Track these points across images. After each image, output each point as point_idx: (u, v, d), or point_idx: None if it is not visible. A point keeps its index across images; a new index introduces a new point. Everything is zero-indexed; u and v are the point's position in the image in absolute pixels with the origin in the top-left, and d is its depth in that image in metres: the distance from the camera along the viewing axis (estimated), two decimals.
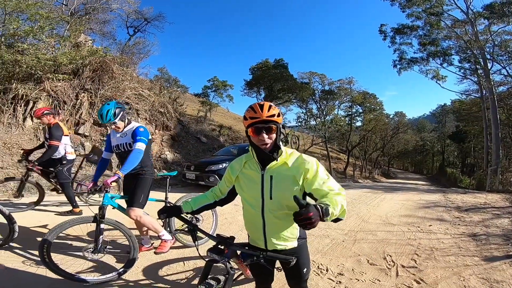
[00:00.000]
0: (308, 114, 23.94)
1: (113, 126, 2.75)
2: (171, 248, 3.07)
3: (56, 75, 8.46)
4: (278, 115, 1.37)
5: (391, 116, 33.32)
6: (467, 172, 29.39)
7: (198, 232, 1.50)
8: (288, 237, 1.47)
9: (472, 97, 23.43)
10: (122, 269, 2.50)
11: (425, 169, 53.21)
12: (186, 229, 2.82)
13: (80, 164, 5.29)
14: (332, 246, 3.67)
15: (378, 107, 27.07)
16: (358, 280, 2.74)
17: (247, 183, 1.48)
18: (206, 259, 1.42)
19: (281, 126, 1.42)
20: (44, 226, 3.68)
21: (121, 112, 2.73)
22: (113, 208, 2.65)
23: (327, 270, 2.93)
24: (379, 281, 2.74)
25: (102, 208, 2.46)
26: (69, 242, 3.21)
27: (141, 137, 2.72)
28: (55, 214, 4.32)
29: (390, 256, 3.36)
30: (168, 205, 3.20)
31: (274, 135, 1.38)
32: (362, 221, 5.03)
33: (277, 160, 1.40)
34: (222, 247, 1.37)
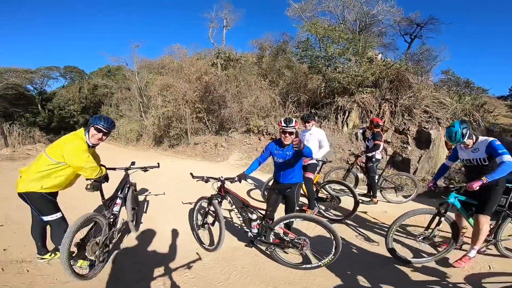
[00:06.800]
0: None
1: (462, 145, 3.03)
2: None
3: (364, 88, 9.90)
4: None
5: None
6: None
7: None
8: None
9: None
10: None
11: None
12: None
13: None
14: None
15: None
16: None
17: None
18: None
19: None
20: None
21: (468, 131, 2.89)
22: (451, 206, 2.95)
23: None
24: None
25: (447, 205, 2.93)
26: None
27: (503, 149, 2.77)
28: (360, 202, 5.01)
29: None
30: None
31: None
32: None
33: None
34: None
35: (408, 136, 8.59)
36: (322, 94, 10.90)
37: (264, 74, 13.61)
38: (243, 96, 11.85)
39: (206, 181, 3.14)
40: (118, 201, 2.96)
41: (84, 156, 2.47)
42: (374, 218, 4.40)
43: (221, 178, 3.10)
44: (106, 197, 2.96)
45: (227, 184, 3.16)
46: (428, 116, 8.89)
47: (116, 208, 2.92)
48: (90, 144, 2.64)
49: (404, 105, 9.33)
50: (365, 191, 5.57)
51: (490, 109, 9.97)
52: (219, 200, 3.14)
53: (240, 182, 3.11)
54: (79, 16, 71.29)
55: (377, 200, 5.27)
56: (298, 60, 12.26)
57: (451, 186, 2.96)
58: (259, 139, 10.61)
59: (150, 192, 5.51)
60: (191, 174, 3.22)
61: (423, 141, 8.25)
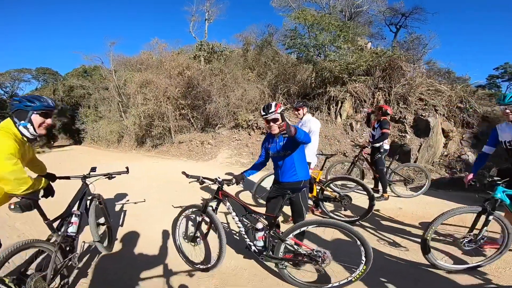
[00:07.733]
0: None
1: (507, 110, 2.63)
2: None
3: (358, 77, 9.46)
4: None
5: None
6: None
7: None
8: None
9: None
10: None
11: None
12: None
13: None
14: None
15: None
16: None
17: None
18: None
19: None
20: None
21: None
22: (500, 202, 2.43)
23: None
24: None
25: (494, 201, 2.41)
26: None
27: None
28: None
29: None
30: None
31: None
32: None
33: None
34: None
35: (405, 124, 8.23)
36: (313, 85, 10.38)
37: (250, 66, 12.96)
38: (229, 89, 11.14)
39: (201, 183, 2.52)
40: (74, 219, 2.21)
41: (9, 162, 1.69)
42: (389, 216, 3.87)
43: (219, 179, 2.46)
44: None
45: (225, 187, 2.53)
46: (424, 104, 8.56)
47: (71, 229, 2.17)
48: (35, 136, 1.94)
49: (398, 93, 8.96)
50: (372, 186, 5.07)
51: (483, 96, 9.78)
52: (214, 206, 2.51)
53: (237, 184, 2.51)
54: (49, 13, 67.35)
55: (388, 195, 4.77)
56: (286, 49, 11.70)
57: (497, 178, 2.45)
58: (249, 134, 9.97)
59: (128, 200, 4.76)
60: (184, 173, 2.56)
61: (421, 129, 7.91)
